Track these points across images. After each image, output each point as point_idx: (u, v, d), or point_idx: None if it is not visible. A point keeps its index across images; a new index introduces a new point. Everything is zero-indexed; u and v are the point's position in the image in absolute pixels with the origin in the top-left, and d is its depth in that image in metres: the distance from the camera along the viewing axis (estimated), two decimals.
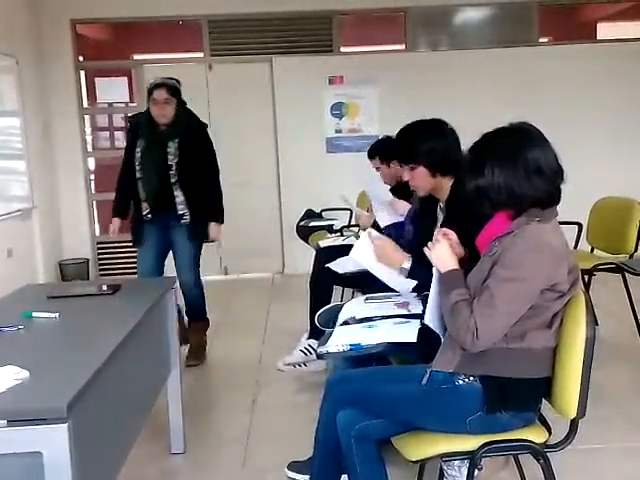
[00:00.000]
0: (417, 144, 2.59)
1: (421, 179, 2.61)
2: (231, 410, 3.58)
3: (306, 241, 5.83)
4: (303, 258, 6.09)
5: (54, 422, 1.58)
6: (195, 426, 3.27)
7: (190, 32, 6.88)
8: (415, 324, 2.23)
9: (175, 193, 4.07)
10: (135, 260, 7.14)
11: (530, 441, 1.98)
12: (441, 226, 2.45)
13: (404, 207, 3.53)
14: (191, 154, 4.06)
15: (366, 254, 2.60)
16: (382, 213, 3.62)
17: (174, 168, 4.03)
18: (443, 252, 2.03)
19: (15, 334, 2.20)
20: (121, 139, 7.23)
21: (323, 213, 6.14)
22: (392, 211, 3.65)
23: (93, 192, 6.98)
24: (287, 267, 7.05)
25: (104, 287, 2.81)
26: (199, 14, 6.70)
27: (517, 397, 1.95)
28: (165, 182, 4.04)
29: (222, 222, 4.26)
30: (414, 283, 2.49)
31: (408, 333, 2.17)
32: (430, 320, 2.03)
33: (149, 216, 4.13)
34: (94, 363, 1.87)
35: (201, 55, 6.86)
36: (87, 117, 6.88)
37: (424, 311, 2.35)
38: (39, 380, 1.77)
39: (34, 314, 2.36)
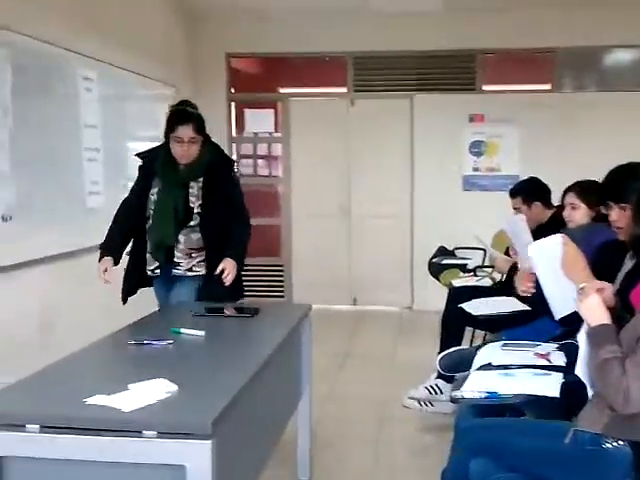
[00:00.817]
0: (634, 183, 2.42)
1: (627, 221, 2.45)
2: (356, 443, 3.58)
3: (437, 278, 5.77)
4: (432, 295, 6.03)
5: (200, 438, 1.64)
6: (320, 455, 3.29)
7: (335, 68, 7.09)
8: (557, 377, 2.14)
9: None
10: (270, 283, 7.39)
11: None
12: (629, 274, 2.31)
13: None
14: (217, 195, 3.33)
15: (549, 254, 2.28)
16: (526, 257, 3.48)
17: (196, 212, 3.29)
18: (594, 305, 1.94)
19: (165, 348, 2.33)
20: (263, 166, 7.56)
21: (456, 251, 6.06)
22: (525, 234, 3.47)
23: None
24: (416, 302, 7.00)
25: (245, 309, 2.92)
26: (345, 51, 6.90)
27: None
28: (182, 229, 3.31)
29: (238, 263, 3.29)
30: (573, 309, 2.24)
31: (550, 386, 2.08)
32: (581, 372, 1.94)
33: (157, 272, 3.35)
34: (238, 383, 1.95)
35: (344, 90, 7.04)
36: (234, 145, 7.25)
37: (567, 363, 2.27)
38: (187, 395, 1.86)
39: (182, 330, 2.49)
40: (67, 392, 1.91)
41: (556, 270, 2.23)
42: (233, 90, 7.15)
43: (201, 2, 6.52)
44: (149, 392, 1.83)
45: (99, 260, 3.24)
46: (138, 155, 3.48)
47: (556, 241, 2.29)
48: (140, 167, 3.44)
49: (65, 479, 1.72)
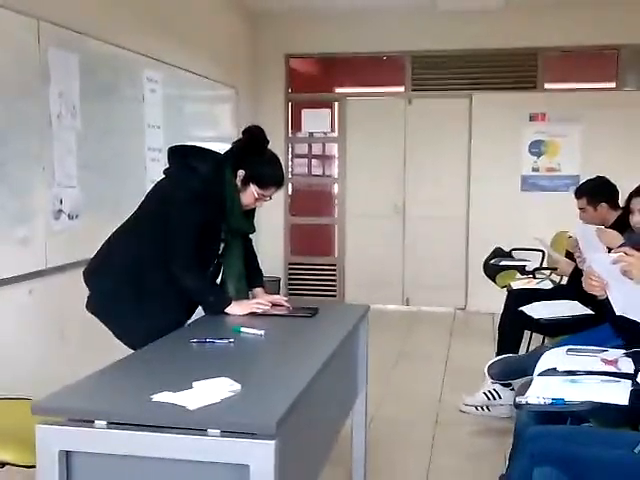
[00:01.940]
0: None
1: None
2: (410, 446, 3.56)
3: (493, 280, 5.68)
4: (487, 296, 5.96)
5: (263, 438, 1.65)
6: (376, 457, 3.29)
7: (393, 67, 7.06)
8: (626, 385, 2.08)
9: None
10: (323, 282, 7.38)
11: None
12: None
13: (613, 240, 3.28)
14: None
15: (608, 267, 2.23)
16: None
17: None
18: None
19: (226, 347, 2.35)
20: (317, 166, 7.58)
21: (513, 252, 5.96)
22: (596, 243, 3.36)
23: (289, 215, 7.33)
24: (469, 304, 6.91)
25: (305, 309, 2.92)
26: (403, 50, 6.85)
27: None
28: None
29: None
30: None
31: (618, 394, 2.02)
32: None
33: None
34: (300, 383, 1.95)
35: (402, 89, 7.00)
36: (289, 144, 7.29)
37: (636, 370, 2.20)
38: (250, 394, 1.87)
39: (242, 329, 2.52)
40: (134, 389, 1.94)
41: (618, 279, 2.21)
42: (291, 90, 7.19)
43: (261, 3, 6.58)
44: (213, 390, 1.85)
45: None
46: (205, 189, 2.66)
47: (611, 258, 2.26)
48: (206, 201, 2.66)
49: (130, 475, 1.74)
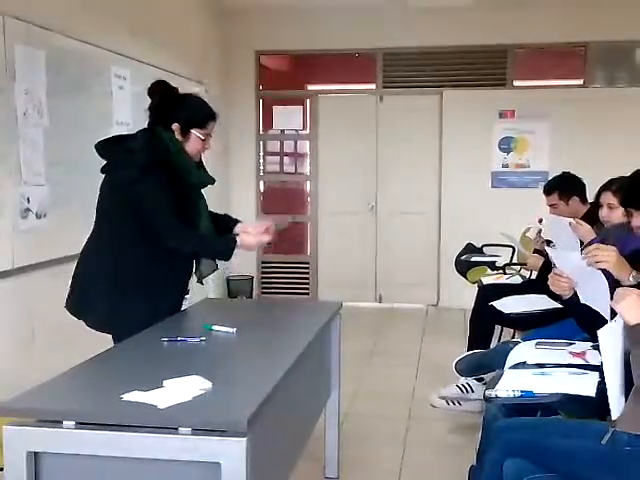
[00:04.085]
0: None
1: None
2: (383, 441, 3.57)
3: (464, 275, 5.72)
4: (459, 292, 6.01)
5: (235, 435, 1.65)
6: (348, 453, 3.29)
7: (364, 64, 7.07)
8: (593, 377, 2.11)
9: None
10: (296, 280, 7.40)
11: None
12: None
13: (587, 233, 3.32)
14: None
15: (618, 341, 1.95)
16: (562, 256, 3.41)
17: None
18: (633, 304, 1.91)
19: (198, 345, 2.34)
20: (289, 163, 7.57)
21: (484, 248, 6.00)
22: (569, 235, 3.39)
23: (261, 214, 7.31)
24: (442, 300, 6.97)
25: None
26: (374, 47, 6.87)
27: None
28: None
29: None
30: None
31: (586, 386, 2.06)
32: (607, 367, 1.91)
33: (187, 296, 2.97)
34: (271, 380, 1.95)
35: (373, 87, 7.02)
36: (261, 142, 7.26)
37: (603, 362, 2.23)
38: (221, 392, 1.86)
39: (214, 327, 2.51)
40: (103, 388, 1.93)
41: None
42: (261, 87, 7.16)
43: (231, 0, 6.53)
44: (184, 389, 1.84)
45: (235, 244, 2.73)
46: (150, 157, 2.65)
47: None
48: (157, 177, 2.63)
49: (100, 475, 1.73)
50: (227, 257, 2.77)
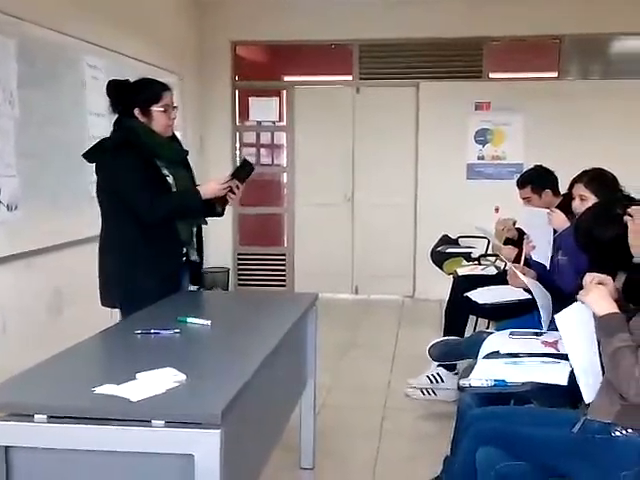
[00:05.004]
0: None
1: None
2: (359, 432, 3.59)
3: (440, 267, 5.76)
4: (434, 283, 6.04)
5: (208, 427, 1.64)
6: (324, 443, 3.30)
7: (341, 56, 7.05)
8: (565, 366, 2.14)
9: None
10: (272, 272, 7.40)
11: None
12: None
13: (562, 222, 3.35)
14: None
15: (577, 325, 1.96)
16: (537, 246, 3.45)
17: None
18: (601, 295, 1.92)
19: (172, 337, 2.33)
20: (266, 155, 7.54)
21: (459, 240, 6.05)
22: (545, 227, 3.42)
23: (237, 205, 7.26)
24: (418, 291, 7.00)
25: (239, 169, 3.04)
26: (351, 39, 6.85)
27: None
28: None
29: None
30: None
31: (558, 374, 2.09)
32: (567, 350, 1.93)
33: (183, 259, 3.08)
34: (245, 372, 1.94)
35: (350, 78, 7.01)
36: (237, 133, 7.22)
37: None
38: (195, 384, 1.86)
39: (189, 320, 2.49)
40: (75, 382, 1.91)
41: (587, 342, 1.95)
42: (237, 78, 7.12)
43: None
44: (157, 381, 1.83)
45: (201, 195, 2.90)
46: (114, 139, 2.90)
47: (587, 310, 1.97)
48: (127, 158, 2.82)
49: (73, 469, 1.71)
50: (197, 206, 2.92)
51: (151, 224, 2.84)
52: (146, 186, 2.81)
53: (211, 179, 3.01)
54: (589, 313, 1.95)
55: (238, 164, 3.15)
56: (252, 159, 7.45)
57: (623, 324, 1.88)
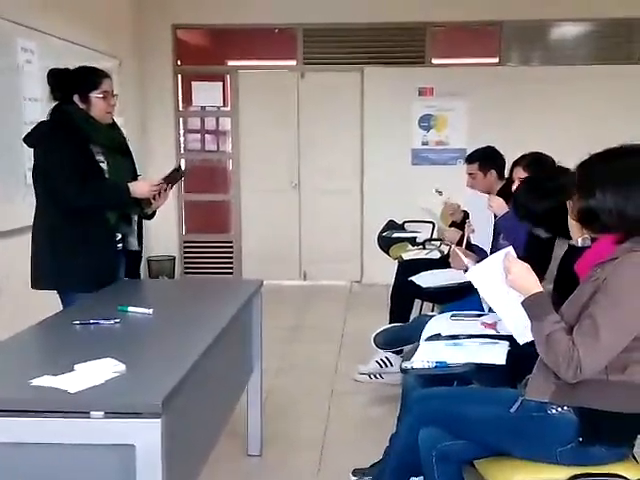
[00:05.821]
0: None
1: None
2: (307, 417, 3.61)
3: (387, 252, 5.81)
4: (381, 268, 6.08)
5: (149, 417, 1.63)
6: (271, 429, 3.31)
7: (285, 40, 7.00)
8: (503, 346, 2.19)
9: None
10: (219, 260, 7.36)
11: (622, 477, 1.91)
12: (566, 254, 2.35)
13: (500, 207, 3.39)
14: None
15: (490, 277, 2.01)
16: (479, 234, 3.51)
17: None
18: (523, 273, 1.92)
19: (111, 327, 2.29)
20: (211, 141, 7.45)
21: (405, 225, 6.11)
22: (484, 211, 3.48)
23: (182, 192, 7.17)
24: (365, 276, 7.06)
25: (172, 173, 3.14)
26: (295, 22, 6.80)
27: (613, 431, 1.88)
28: None
29: None
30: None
31: (496, 355, 2.14)
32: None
33: (120, 245, 3.13)
34: (187, 360, 1.93)
35: (294, 63, 6.97)
36: (181, 119, 7.11)
37: None
38: (135, 374, 1.83)
39: (129, 309, 2.45)
40: (11, 374, 1.87)
41: (502, 290, 1.98)
42: (179, 62, 6.99)
43: None
44: (96, 372, 1.80)
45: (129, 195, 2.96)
46: (50, 126, 2.96)
47: (497, 261, 2.01)
48: (60, 141, 2.88)
49: (11, 463, 1.68)
50: (125, 202, 2.98)
51: (74, 210, 2.89)
52: (77, 170, 2.85)
53: (145, 180, 3.09)
54: (499, 265, 1.98)
55: (172, 168, 3.21)
56: (197, 145, 7.37)
57: (549, 303, 1.90)
